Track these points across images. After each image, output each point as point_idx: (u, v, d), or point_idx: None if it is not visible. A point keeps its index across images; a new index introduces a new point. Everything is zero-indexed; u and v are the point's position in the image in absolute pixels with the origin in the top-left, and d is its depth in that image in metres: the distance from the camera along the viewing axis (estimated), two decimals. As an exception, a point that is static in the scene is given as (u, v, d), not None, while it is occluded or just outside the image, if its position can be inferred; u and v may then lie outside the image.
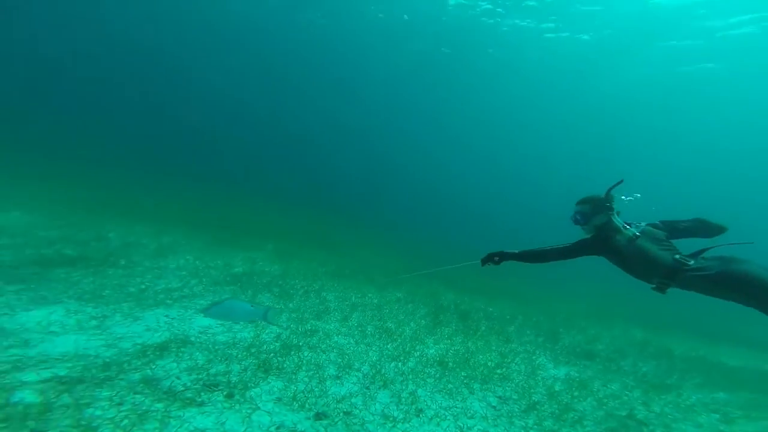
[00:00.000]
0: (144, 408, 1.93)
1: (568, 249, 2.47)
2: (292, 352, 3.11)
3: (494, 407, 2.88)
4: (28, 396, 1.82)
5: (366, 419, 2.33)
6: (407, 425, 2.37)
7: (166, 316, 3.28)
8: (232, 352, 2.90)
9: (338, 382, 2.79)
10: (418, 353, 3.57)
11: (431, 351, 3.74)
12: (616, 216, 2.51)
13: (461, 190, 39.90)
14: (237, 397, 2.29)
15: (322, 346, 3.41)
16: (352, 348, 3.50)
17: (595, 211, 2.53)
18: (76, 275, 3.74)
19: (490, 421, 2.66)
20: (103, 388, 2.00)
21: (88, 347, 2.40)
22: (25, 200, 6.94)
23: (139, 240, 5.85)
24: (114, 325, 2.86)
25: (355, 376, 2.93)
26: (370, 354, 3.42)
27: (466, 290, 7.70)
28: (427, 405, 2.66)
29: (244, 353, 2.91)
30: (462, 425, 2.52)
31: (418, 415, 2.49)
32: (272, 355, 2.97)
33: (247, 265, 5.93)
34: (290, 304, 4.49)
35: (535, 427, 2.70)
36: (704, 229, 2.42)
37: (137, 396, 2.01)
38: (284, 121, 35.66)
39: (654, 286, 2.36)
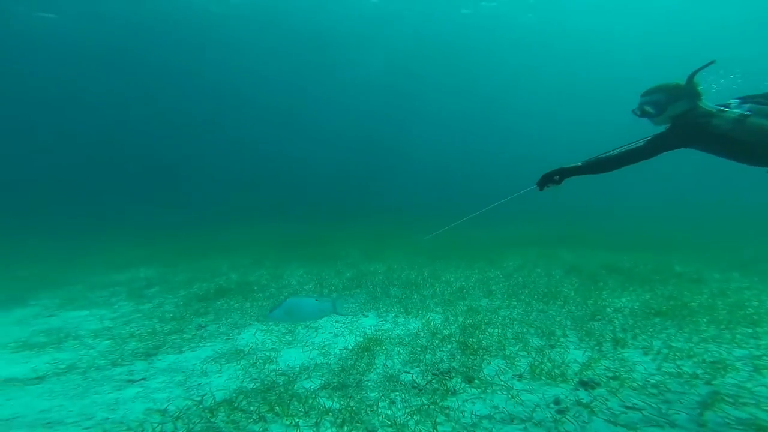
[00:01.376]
0: (413, 404, 1.77)
1: (647, 147, 2.06)
2: (477, 332, 2.88)
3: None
4: (330, 403, 1.74)
5: (657, 381, 1.96)
6: (727, 380, 1.95)
7: (336, 322, 3.21)
8: (421, 341, 2.73)
9: (560, 349, 2.50)
10: (610, 309, 3.15)
11: (623, 303, 3.29)
12: (704, 101, 2.10)
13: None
14: (477, 381, 2.08)
15: (498, 321, 3.16)
16: (528, 317, 3.20)
17: (672, 98, 2.12)
18: (234, 303, 3.86)
19: None
20: (364, 390, 1.89)
21: (312, 357, 2.37)
22: (139, 259, 7.59)
23: (249, 269, 6.06)
24: (305, 337, 2.83)
25: (569, 341, 2.63)
26: (557, 318, 3.09)
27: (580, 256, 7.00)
28: (713, 356, 2.22)
29: (436, 341, 2.73)
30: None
31: (718, 369, 2.05)
32: (463, 337, 2.75)
33: (353, 269, 5.88)
34: (425, 292, 4.30)
35: None
36: None
37: (395, 394, 1.87)
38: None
39: None
